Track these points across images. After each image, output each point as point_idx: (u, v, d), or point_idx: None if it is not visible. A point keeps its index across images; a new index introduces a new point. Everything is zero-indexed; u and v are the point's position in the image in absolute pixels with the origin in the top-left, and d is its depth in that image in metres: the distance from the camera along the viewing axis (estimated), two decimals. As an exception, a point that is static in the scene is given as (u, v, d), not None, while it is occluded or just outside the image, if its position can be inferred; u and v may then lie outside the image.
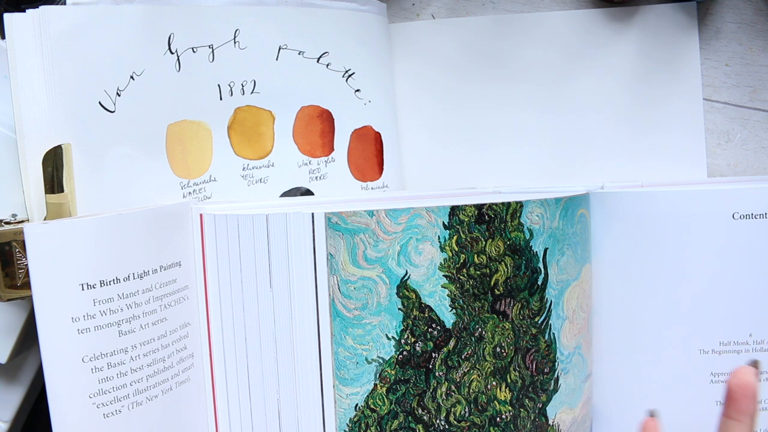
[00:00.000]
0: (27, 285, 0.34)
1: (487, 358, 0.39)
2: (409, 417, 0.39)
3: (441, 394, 0.39)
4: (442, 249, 0.38)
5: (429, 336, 0.39)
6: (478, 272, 0.38)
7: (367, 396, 0.38)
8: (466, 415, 0.39)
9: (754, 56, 0.50)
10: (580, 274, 0.42)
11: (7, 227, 0.35)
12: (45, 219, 0.37)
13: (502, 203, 0.38)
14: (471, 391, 0.39)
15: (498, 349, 0.39)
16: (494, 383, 0.39)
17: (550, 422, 0.41)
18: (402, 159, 0.52)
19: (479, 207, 0.38)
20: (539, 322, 0.40)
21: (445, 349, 0.39)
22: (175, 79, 0.41)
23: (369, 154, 0.50)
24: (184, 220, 0.38)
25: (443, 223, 0.38)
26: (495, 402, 0.40)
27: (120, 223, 0.35)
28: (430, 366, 0.39)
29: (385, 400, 0.39)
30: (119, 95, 0.39)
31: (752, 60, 0.50)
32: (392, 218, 0.37)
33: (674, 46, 0.50)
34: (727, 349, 0.41)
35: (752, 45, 0.50)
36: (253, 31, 0.44)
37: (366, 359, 0.38)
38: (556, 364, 0.41)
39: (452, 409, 0.39)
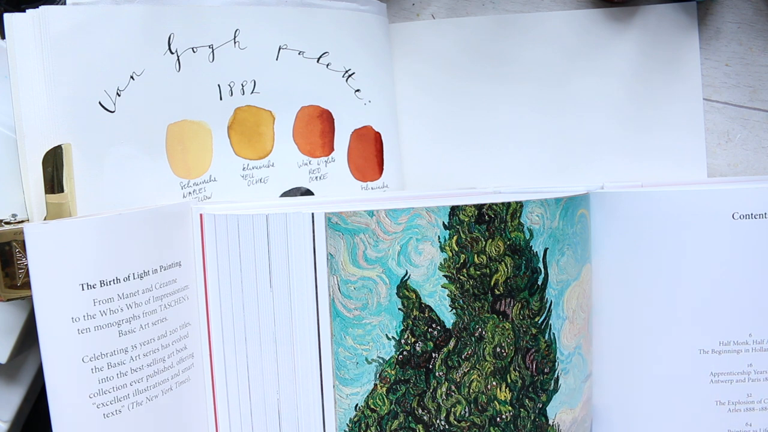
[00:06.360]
0: (27, 285, 0.34)
1: (487, 358, 0.39)
2: (409, 417, 0.39)
3: (441, 394, 0.39)
4: (442, 249, 0.38)
5: (429, 336, 0.39)
6: (478, 272, 0.38)
7: (367, 396, 0.38)
8: (466, 415, 0.39)
9: (754, 56, 0.50)
10: (580, 274, 0.42)
11: (7, 227, 0.35)
12: (45, 219, 0.37)
13: (502, 203, 0.38)
14: (471, 391, 0.39)
15: (498, 349, 0.39)
16: (494, 383, 0.39)
17: (550, 422, 0.41)
18: (402, 159, 0.52)
19: (479, 207, 0.38)
20: (539, 322, 0.40)
21: (445, 349, 0.39)
22: (175, 79, 0.41)
23: (369, 154, 0.50)
24: (184, 220, 0.38)
25: (443, 223, 0.38)
26: (495, 402, 0.40)
27: (120, 223, 0.35)
28: (430, 366, 0.39)
29: (385, 400, 0.39)
30: (119, 95, 0.39)
31: (752, 60, 0.50)
32: (392, 218, 0.37)
33: (674, 46, 0.50)
34: (727, 349, 0.41)
35: (752, 45, 0.50)
36: (253, 31, 0.44)
37: (366, 359, 0.38)
38: (556, 364, 0.41)
39: (452, 409, 0.39)
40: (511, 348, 0.39)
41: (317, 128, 0.47)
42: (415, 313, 0.38)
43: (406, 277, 0.38)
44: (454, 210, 0.38)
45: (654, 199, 0.41)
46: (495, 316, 0.39)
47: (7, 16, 0.36)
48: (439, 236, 0.38)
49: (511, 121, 0.51)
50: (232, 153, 0.45)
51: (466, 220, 0.38)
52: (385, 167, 0.50)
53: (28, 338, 0.43)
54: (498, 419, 0.40)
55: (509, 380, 0.40)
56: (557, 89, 0.50)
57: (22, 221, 0.38)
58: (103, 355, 0.34)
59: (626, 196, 0.42)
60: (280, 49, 0.45)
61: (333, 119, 0.48)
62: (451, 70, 0.51)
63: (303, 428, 0.38)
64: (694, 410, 0.41)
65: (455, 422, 0.39)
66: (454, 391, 0.39)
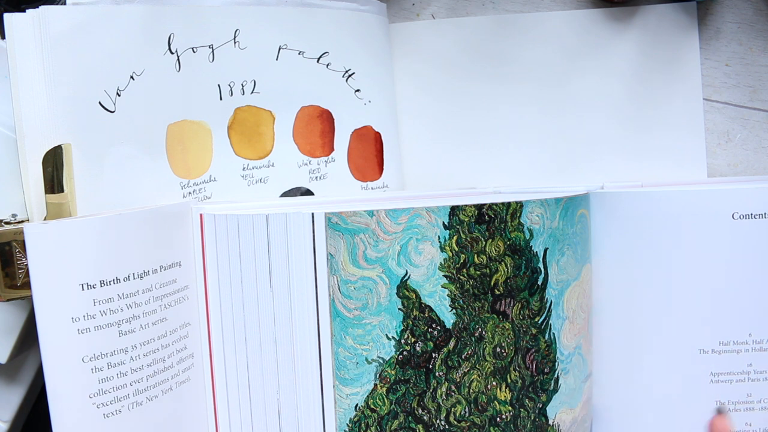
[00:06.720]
0: (27, 285, 0.34)
1: (487, 358, 0.39)
2: (409, 417, 0.39)
3: (441, 394, 0.39)
4: (442, 249, 0.38)
5: (429, 336, 0.39)
6: (478, 272, 0.38)
7: (367, 396, 0.38)
8: (466, 415, 0.39)
9: (754, 56, 0.50)
10: (580, 274, 0.42)
11: (7, 227, 0.35)
12: (45, 219, 0.37)
13: (502, 203, 0.38)
14: (471, 391, 0.39)
15: (498, 349, 0.39)
16: (494, 383, 0.39)
17: (550, 422, 0.41)
18: (402, 159, 0.52)
19: (479, 207, 0.38)
20: (539, 322, 0.40)
21: (445, 349, 0.39)
22: (175, 79, 0.41)
23: (369, 154, 0.50)
24: (184, 220, 0.38)
25: (443, 223, 0.38)
26: (495, 402, 0.40)
27: (120, 223, 0.35)
28: (430, 366, 0.39)
29: (385, 400, 0.39)
30: (119, 95, 0.39)
31: (752, 60, 0.50)
32: (392, 218, 0.37)
33: (674, 46, 0.50)
34: (727, 349, 0.41)
35: (752, 45, 0.50)
36: (253, 31, 0.44)
37: (366, 359, 0.38)
38: (556, 364, 0.41)
39: (452, 409, 0.39)
40: (511, 348, 0.39)
41: (317, 128, 0.47)
42: (415, 313, 0.38)
43: (406, 277, 0.38)
44: (454, 210, 0.38)
45: (654, 199, 0.41)
46: (495, 316, 0.39)
47: (7, 16, 0.36)
48: (439, 236, 0.38)
49: (511, 121, 0.51)
50: (232, 153, 0.45)
51: (466, 220, 0.38)
52: (385, 167, 0.50)
53: (28, 338, 0.43)
54: (498, 419, 0.40)
55: (509, 380, 0.40)
56: (557, 89, 0.50)
57: (22, 221, 0.38)
58: (103, 355, 0.34)
59: (626, 196, 0.42)
60: (280, 49, 0.45)
61: (333, 119, 0.48)
62: (451, 70, 0.51)
63: (303, 428, 0.38)
64: (694, 410, 0.41)
65: (455, 422, 0.39)
66: (454, 391, 0.39)
